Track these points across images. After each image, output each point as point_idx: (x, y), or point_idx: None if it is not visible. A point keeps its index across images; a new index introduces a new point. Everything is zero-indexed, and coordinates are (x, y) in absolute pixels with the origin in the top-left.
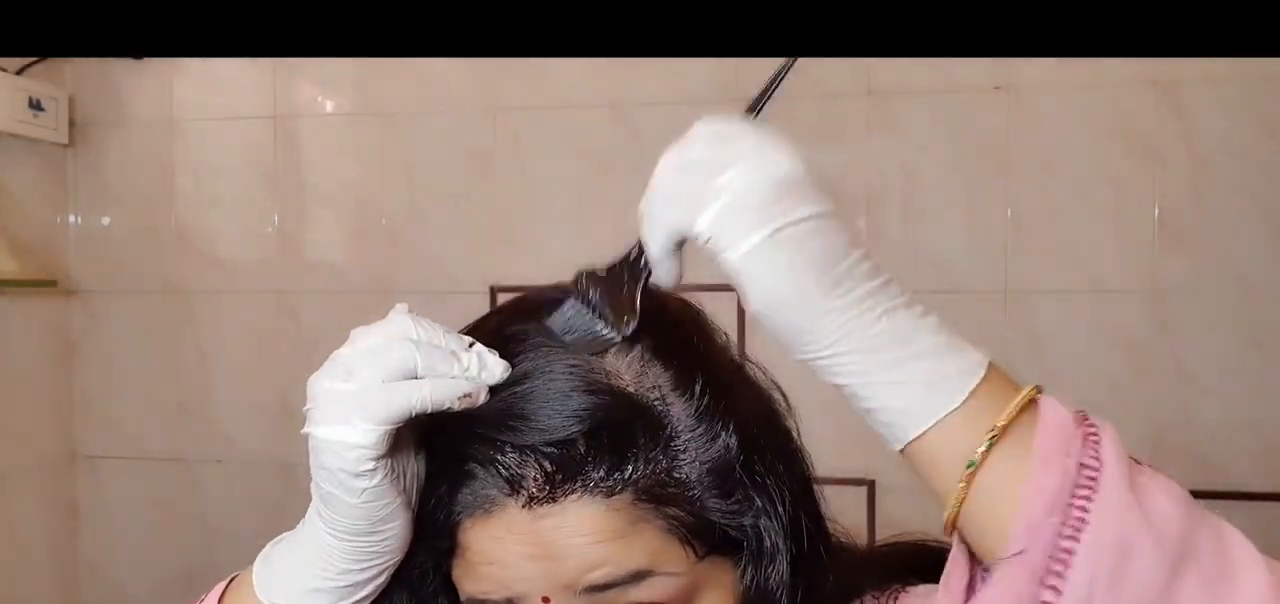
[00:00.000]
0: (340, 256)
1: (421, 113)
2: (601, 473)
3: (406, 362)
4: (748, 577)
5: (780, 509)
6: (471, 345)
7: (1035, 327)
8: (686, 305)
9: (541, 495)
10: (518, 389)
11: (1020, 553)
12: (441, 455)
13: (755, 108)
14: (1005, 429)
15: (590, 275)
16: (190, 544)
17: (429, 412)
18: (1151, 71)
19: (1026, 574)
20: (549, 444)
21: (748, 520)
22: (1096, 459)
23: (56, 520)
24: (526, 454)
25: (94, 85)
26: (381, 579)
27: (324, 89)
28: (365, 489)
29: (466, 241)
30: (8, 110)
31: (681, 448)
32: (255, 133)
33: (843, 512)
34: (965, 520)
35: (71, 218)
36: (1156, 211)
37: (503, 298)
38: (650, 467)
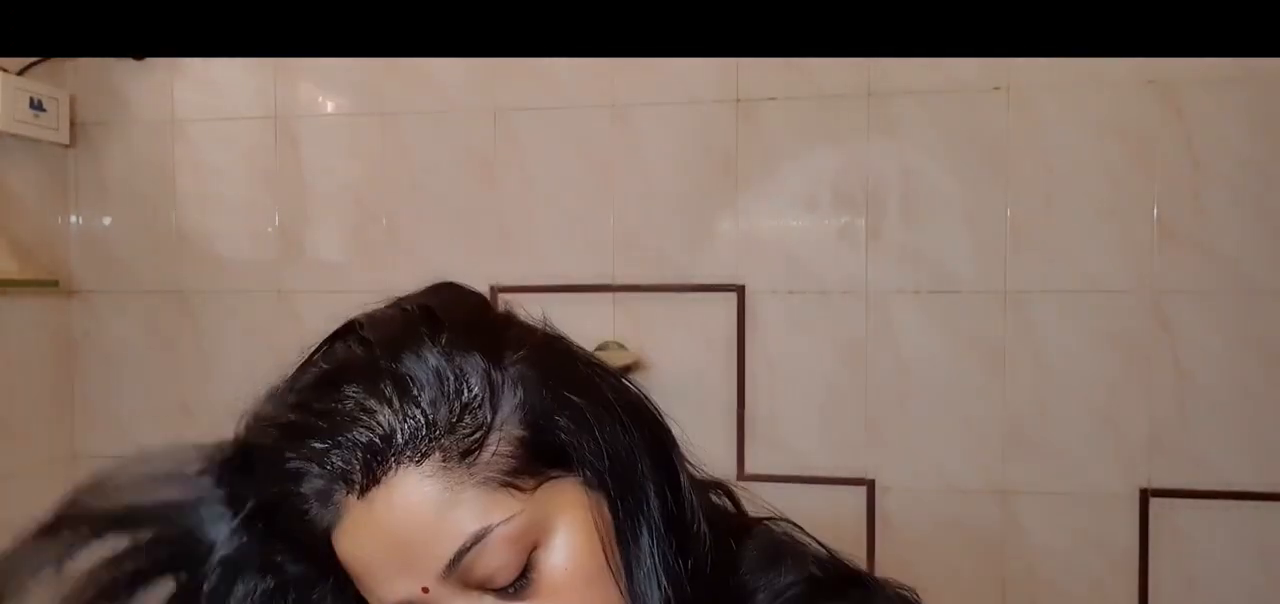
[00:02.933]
0: (340, 256)
1: (421, 113)
2: (405, 441)
3: None
4: (592, 488)
5: (599, 429)
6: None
7: (1035, 327)
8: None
9: (366, 481)
10: (330, 397)
11: None
12: (277, 479)
13: None
14: None
15: None
16: None
17: None
18: (1151, 71)
19: None
20: (356, 430)
21: (563, 440)
22: None
23: None
24: (346, 447)
25: (95, 86)
26: None
27: (324, 89)
28: None
29: (466, 241)
30: (9, 110)
31: (478, 398)
32: (255, 133)
33: (842, 511)
34: None
35: (72, 218)
36: (1156, 211)
37: (503, 298)
38: (447, 425)
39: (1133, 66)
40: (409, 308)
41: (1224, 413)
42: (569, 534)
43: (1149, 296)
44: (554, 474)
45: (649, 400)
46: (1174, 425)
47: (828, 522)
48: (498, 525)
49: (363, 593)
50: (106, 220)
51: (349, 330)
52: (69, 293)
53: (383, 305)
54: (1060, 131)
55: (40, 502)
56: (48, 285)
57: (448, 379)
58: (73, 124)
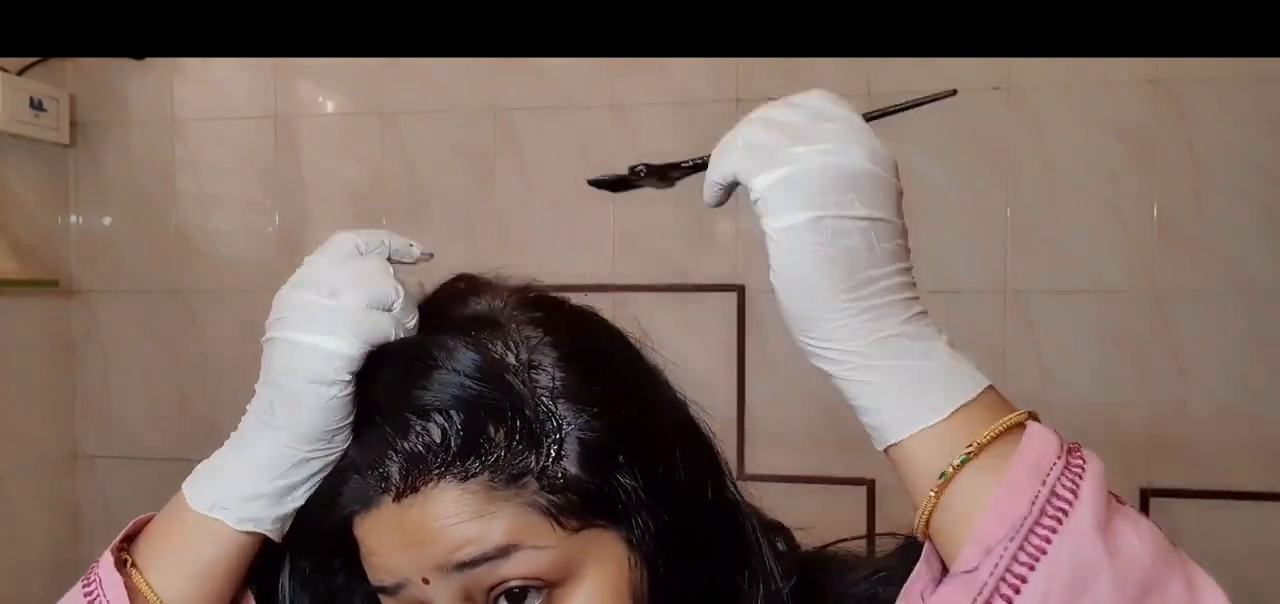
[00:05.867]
0: None
1: (421, 113)
2: (453, 458)
3: (389, 296)
4: (635, 550)
5: (659, 502)
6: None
7: (1035, 326)
8: (589, 310)
9: (405, 487)
10: (403, 373)
11: (971, 571)
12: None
13: (872, 115)
14: (982, 448)
15: (649, 166)
16: None
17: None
18: (1151, 71)
19: (973, 592)
20: (410, 437)
21: (619, 497)
22: (1072, 492)
23: (56, 520)
24: (392, 451)
25: (95, 85)
26: (314, 483)
27: (324, 89)
28: (333, 397)
29: (466, 241)
30: (9, 110)
31: (542, 430)
32: (255, 133)
33: (842, 511)
34: (935, 531)
35: (72, 218)
36: (1156, 212)
37: None
38: (503, 450)
39: (1133, 66)
40: (510, 315)
41: (1224, 413)
42: (595, 590)
43: (1149, 296)
44: (600, 523)
45: (727, 470)
46: (1175, 425)
47: (828, 522)
48: (526, 547)
49: (366, 568)
50: (106, 220)
51: (468, 292)
52: (69, 292)
53: (497, 283)
54: (1060, 131)
55: (40, 501)
56: (47, 285)
57: (515, 407)
58: (73, 124)
